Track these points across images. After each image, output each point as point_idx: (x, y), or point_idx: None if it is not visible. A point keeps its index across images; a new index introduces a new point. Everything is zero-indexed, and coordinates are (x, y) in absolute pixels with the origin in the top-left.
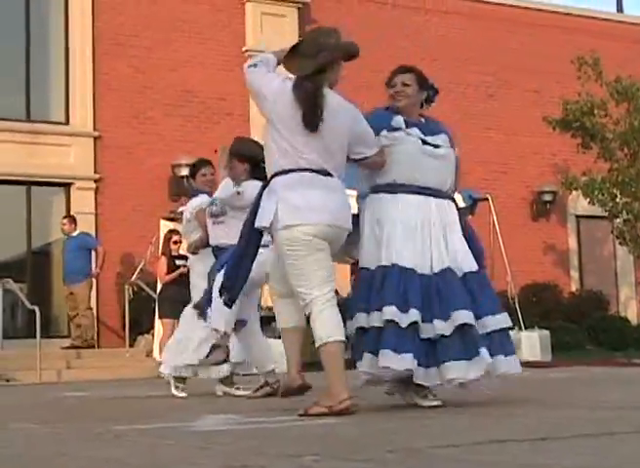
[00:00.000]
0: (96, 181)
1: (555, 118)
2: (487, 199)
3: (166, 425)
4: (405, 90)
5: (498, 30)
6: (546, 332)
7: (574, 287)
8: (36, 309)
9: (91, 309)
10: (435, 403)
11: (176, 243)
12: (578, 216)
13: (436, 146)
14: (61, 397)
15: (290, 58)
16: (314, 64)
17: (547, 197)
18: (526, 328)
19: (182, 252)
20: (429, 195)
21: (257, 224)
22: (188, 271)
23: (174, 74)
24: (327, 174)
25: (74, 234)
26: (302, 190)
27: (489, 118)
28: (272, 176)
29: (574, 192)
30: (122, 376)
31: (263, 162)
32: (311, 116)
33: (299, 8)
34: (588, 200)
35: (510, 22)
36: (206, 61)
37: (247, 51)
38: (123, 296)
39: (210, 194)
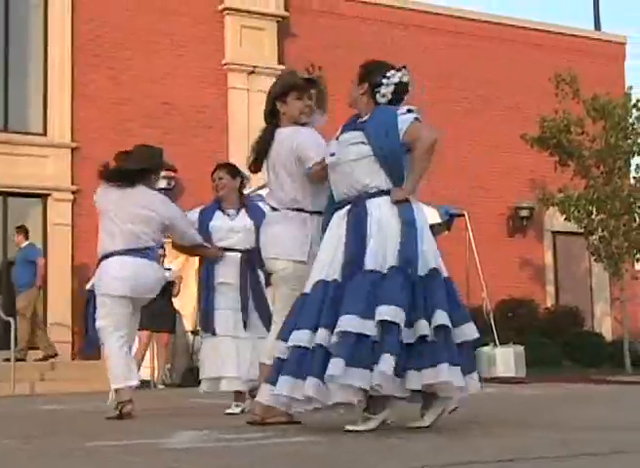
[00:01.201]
0: (73, 193)
1: (533, 136)
2: (463, 215)
3: (140, 441)
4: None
5: (478, 47)
6: (521, 348)
7: (549, 302)
8: (11, 321)
9: (29, 319)
10: (418, 424)
11: (159, 256)
12: (554, 233)
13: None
14: (35, 410)
15: None
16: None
17: (524, 213)
18: (501, 343)
19: (167, 265)
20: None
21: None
22: (170, 284)
23: (153, 86)
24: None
25: (23, 245)
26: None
27: (468, 134)
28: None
29: (550, 208)
30: (98, 389)
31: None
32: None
33: (278, 21)
34: (565, 216)
35: (491, 39)
36: (185, 74)
37: (226, 64)
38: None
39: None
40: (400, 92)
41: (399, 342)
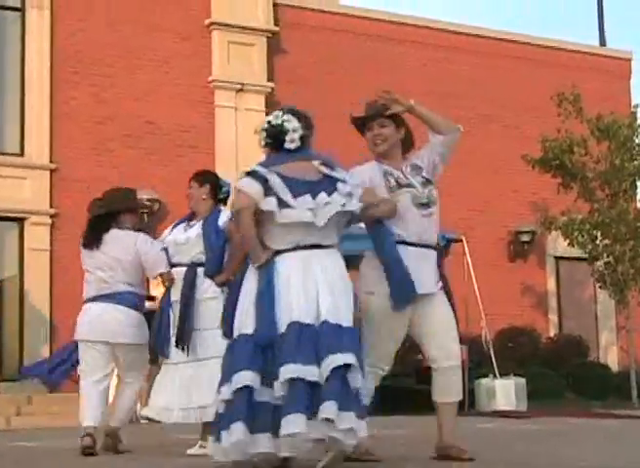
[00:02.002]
0: (51, 216)
1: (534, 156)
2: (461, 240)
3: None
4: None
5: (477, 63)
6: (522, 380)
7: (552, 331)
8: None
9: None
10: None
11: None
12: (557, 258)
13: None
14: (10, 447)
15: None
16: None
17: (525, 237)
18: (501, 375)
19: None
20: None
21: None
22: (150, 313)
23: (136, 104)
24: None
25: None
26: None
27: (467, 154)
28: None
29: (553, 233)
30: (76, 423)
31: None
32: None
33: (268, 37)
34: (568, 241)
35: (490, 55)
36: (170, 91)
37: (213, 81)
38: None
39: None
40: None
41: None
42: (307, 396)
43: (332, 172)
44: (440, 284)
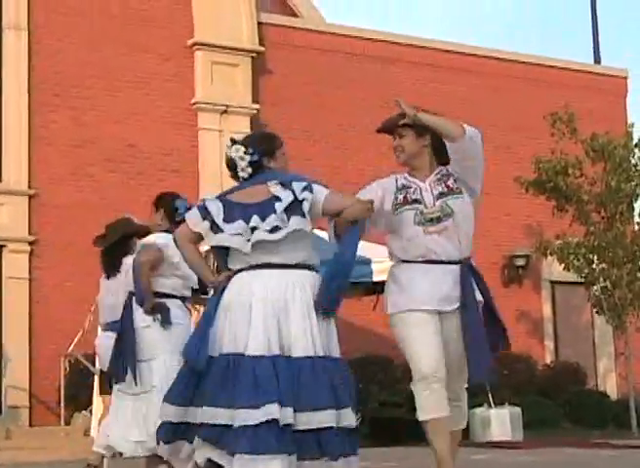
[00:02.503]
0: (30, 244)
1: (528, 178)
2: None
3: None
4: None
5: (469, 83)
6: (517, 410)
7: (548, 358)
8: None
9: None
10: None
11: None
12: (552, 282)
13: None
14: None
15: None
16: None
17: (520, 261)
18: (496, 404)
19: None
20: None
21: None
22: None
23: (117, 127)
24: None
25: None
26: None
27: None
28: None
29: (548, 257)
30: (57, 458)
31: None
32: None
33: (252, 57)
34: (563, 265)
35: (482, 74)
36: (152, 113)
37: (196, 103)
38: (59, 370)
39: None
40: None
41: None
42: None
43: (282, 191)
44: (471, 302)
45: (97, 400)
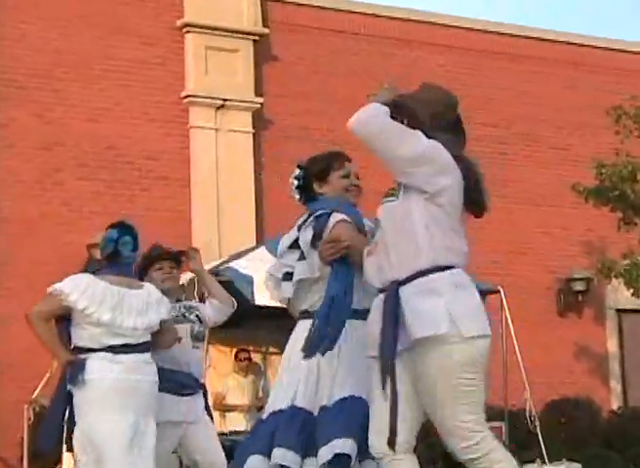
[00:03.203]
0: None
1: (588, 186)
2: (498, 291)
3: None
4: (359, 184)
5: (513, 70)
6: (577, 466)
7: (615, 403)
8: None
9: None
10: None
11: None
12: (619, 311)
13: None
14: None
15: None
16: (463, 143)
17: (579, 286)
18: (551, 460)
19: None
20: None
21: (428, 333)
22: None
23: (91, 126)
24: None
25: None
26: (472, 292)
27: (501, 183)
28: (423, 273)
29: (613, 280)
30: None
31: None
32: (487, 201)
33: (255, 41)
34: (632, 290)
35: (530, 59)
36: (134, 109)
37: (188, 96)
38: (21, 420)
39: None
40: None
41: None
42: None
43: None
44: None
45: (66, 457)
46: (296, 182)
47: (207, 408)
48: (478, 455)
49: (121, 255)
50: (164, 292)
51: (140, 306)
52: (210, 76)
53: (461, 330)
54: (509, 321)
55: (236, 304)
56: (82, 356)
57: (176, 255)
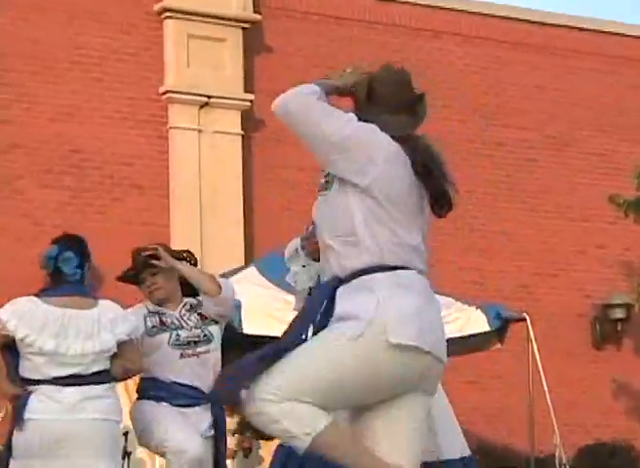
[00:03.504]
0: None
1: (627, 198)
2: (524, 319)
3: None
4: None
5: (544, 64)
6: None
7: None
8: None
9: None
10: None
11: None
12: None
13: None
14: None
15: (367, 106)
16: (416, 123)
17: (618, 313)
18: None
19: None
20: None
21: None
22: None
23: (55, 126)
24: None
25: None
26: (417, 297)
27: (529, 194)
28: (363, 272)
29: None
30: None
31: None
32: (446, 189)
33: (244, 29)
34: None
35: (564, 53)
36: (105, 107)
37: (167, 92)
38: None
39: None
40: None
41: None
42: None
43: None
44: None
45: None
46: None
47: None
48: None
49: (63, 273)
50: (160, 304)
51: (90, 328)
52: (192, 69)
53: (389, 333)
54: (536, 353)
55: (222, 285)
56: (29, 388)
57: (146, 263)
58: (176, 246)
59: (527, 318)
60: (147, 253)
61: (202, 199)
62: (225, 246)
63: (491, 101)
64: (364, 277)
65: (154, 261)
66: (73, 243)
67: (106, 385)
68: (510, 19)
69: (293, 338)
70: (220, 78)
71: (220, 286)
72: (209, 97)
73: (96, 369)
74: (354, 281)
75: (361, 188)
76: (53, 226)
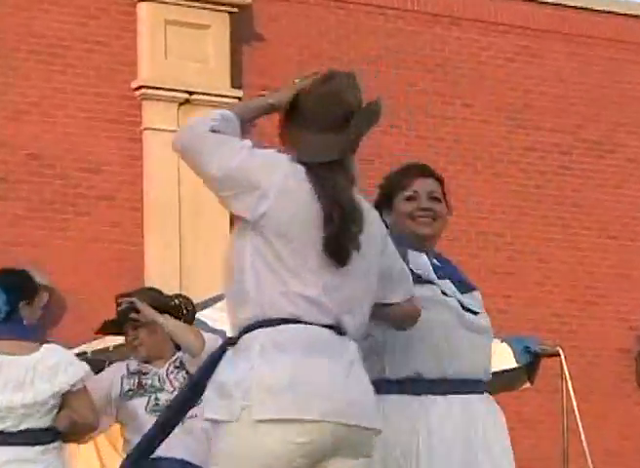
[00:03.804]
0: None
1: None
2: (557, 353)
3: None
4: (434, 207)
5: (581, 57)
6: None
7: None
8: None
9: None
10: None
11: None
12: None
13: (474, 312)
14: None
15: (289, 125)
16: (344, 143)
17: None
18: None
19: None
20: (476, 392)
21: (206, 415)
22: None
23: (10, 128)
24: (342, 333)
25: None
26: (300, 357)
27: (563, 208)
28: (247, 330)
29: None
30: None
31: None
32: (344, 238)
33: (231, 13)
34: None
35: (607, 43)
36: (68, 105)
37: (141, 87)
38: None
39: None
40: None
41: None
42: None
43: None
44: None
45: None
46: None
47: None
48: None
49: None
50: (147, 361)
51: (23, 377)
52: (171, 61)
53: (255, 410)
54: (572, 393)
55: (205, 343)
56: None
57: (124, 318)
58: (151, 267)
59: (561, 352)
60: (125, 303)
61: (182, 212)
62: (209, 267)
63: (519, 99)
64: (246, 336)
65: (133, 315)
66: (1, 277)
67: (43, 447)
68: (542, 2)
69: (173, 414)
70: (202, 71)
71: (200, 341)
72: (190, 92)
73: (28, 425)
74: (239, 341)
75: (251, 225)
76: (4, 244)
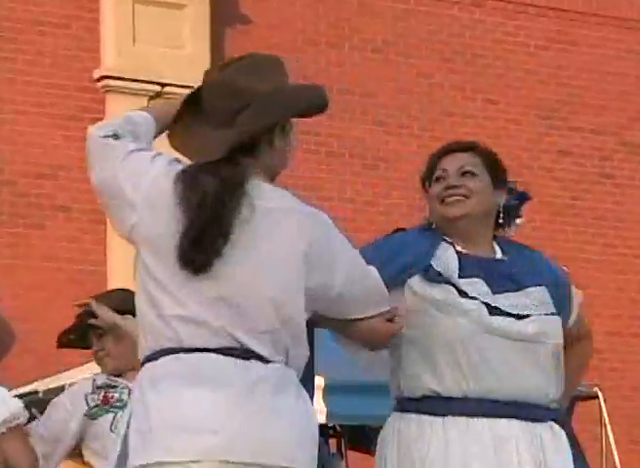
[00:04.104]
0: None
1: None
2: (595, 396)
3: None
4: (466, 183)
5: (627, 45)
6: None
7: None
8: None
9: None
10: None
11: None
12: None
13: (520, 316)
14: None
15: (182, 124)
16: (230, 140)
17: None
18: None
19: None
20: (511, 417)
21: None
22: None
23: None
24: (248, 355)
25: None
26: (174, 392)
27: (604, 222)
28: (142, 362)
29: None
30: None
31: None
32: (196, 243)
33: None
34: None
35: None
36: (17, 100)
37: (104, 77)
38: None
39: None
40: None
41: None
42: None
43: None
44: None
45: None
46: None
47: None
48: None
49: None
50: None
51: None
52: (140, 46)
53: (131, 456)
54: (611, 440)
55: None
56: None
57: (84, 327)
58: (115, 287)
59: (599, 394)
60: (80, 307)
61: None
62: None
63: (552, 95)
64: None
65: (91, 320)
66: None
67: None
68: None
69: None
70: (177, 59)
71: None
72: (162, 85)
73: None
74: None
75: (131, 241)
76: None
